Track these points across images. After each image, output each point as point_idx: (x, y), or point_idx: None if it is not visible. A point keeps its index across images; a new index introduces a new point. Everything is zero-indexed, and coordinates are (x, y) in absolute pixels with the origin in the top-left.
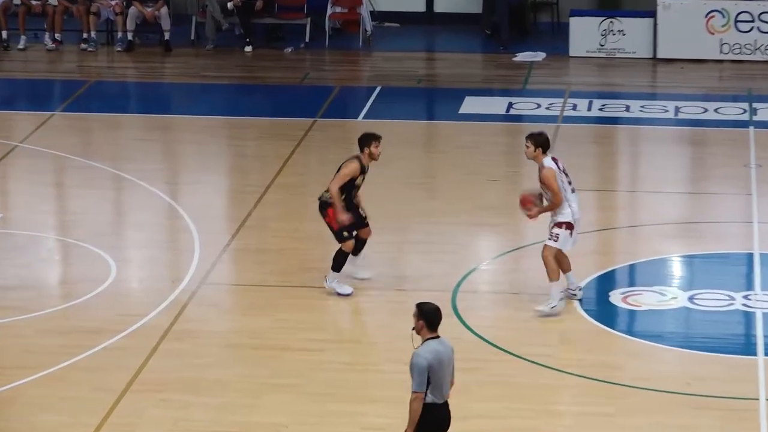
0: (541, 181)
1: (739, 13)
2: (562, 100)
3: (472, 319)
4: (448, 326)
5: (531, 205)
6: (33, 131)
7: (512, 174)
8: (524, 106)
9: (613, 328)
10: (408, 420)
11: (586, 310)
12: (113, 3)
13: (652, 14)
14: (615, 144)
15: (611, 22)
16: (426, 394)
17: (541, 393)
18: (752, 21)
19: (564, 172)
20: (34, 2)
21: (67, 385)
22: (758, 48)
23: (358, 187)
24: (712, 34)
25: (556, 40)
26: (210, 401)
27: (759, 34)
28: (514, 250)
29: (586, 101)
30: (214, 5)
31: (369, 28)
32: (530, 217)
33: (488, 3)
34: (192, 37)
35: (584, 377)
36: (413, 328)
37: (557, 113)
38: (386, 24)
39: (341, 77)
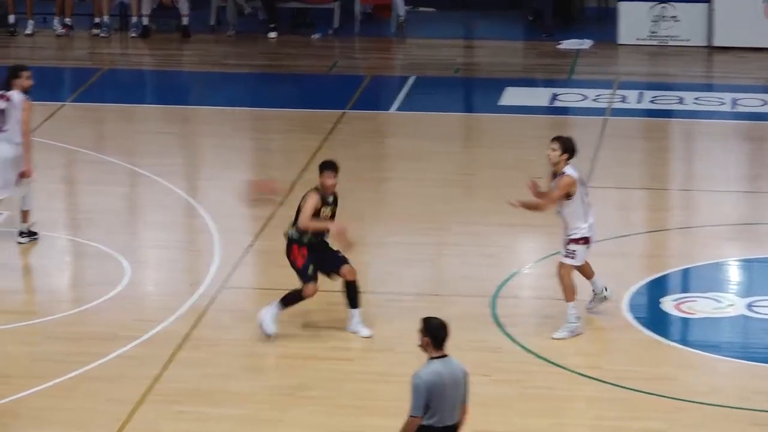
0: (558, 188)
1: None
2: (610, 91)
3: (512, 326)
4: (487, 335)
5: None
6: (42, 123)
7: None
8: (569, 97)
9: (664, 338)
10: None
11: (635, 318)
12: None
13: None
14: (667, 139)
15: (663, 7)
16: (424, 419)
17: (586, 407)
18: None
19: (583, 182)
20: None
21: (77, 395)
22: None
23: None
24: None
25: (603, 26)
26: (230, 414)
27: None
28: (558, 252)
29: (635, 93)
30: None
31: (402, 12)
32: (516, 204)
33: None
34: (212, 23)
35: (633, 390)
36: (419, 345)
37: (605, 106)
38: (421, 9)
39: (372, 66)
